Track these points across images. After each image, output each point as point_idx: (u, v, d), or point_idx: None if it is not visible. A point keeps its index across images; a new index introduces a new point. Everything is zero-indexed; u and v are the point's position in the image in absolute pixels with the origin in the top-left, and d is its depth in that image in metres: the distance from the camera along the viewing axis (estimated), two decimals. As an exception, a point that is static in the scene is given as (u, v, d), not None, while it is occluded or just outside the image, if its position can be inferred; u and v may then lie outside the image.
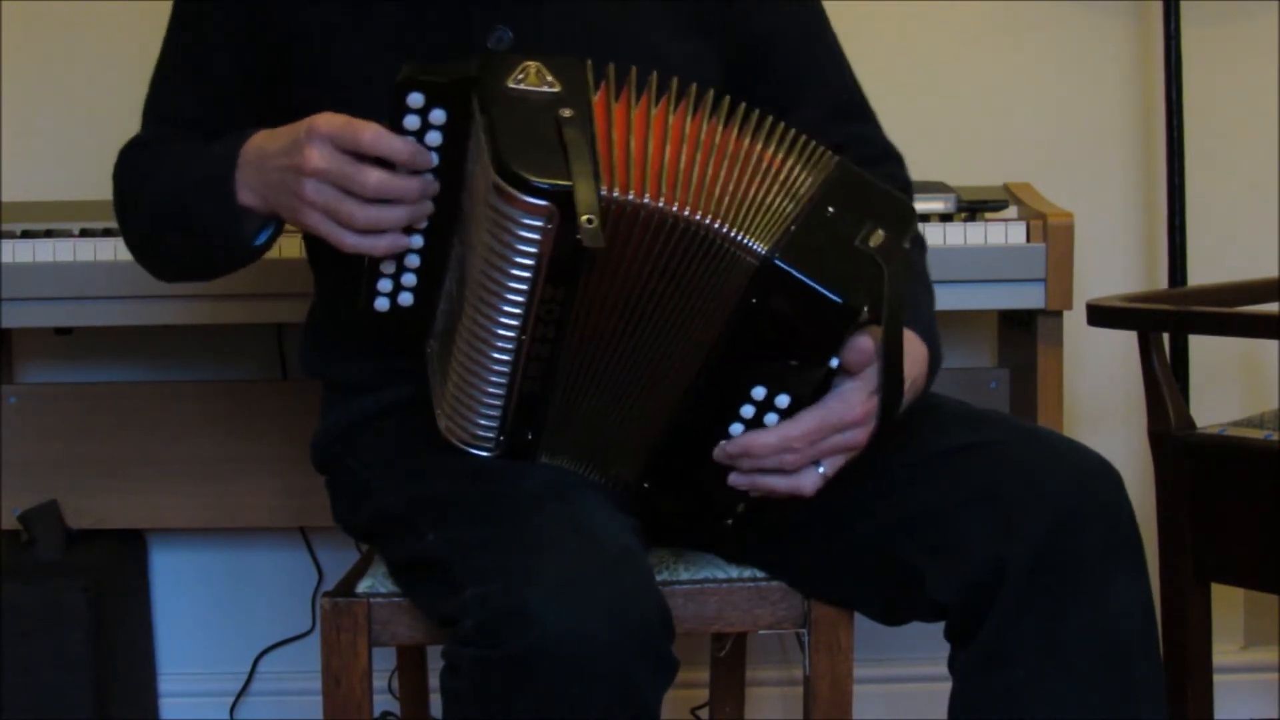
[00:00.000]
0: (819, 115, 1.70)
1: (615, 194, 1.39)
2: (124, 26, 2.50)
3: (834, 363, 1.43)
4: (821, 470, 1.47)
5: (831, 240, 1.42)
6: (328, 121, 1.44)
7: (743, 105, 1.47)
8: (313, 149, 1.43)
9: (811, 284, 1.40)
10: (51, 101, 2.55)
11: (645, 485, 1.53)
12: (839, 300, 1.39)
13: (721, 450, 1.47)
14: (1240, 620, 2.66)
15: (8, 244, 2.18)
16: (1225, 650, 2.61)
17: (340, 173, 1.43)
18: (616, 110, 1.44)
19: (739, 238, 1.40)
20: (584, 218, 1.35)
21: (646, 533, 1.58)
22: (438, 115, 1.42)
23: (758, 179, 1.43)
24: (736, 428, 1.46)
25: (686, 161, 1.42)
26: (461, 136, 1.43)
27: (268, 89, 1.66)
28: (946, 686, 1.50)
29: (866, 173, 1.49)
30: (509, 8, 1.61)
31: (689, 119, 1.45)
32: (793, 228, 1.41)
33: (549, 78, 1.43)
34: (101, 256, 2.17)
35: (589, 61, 1.46)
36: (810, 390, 1.44)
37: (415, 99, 1.41)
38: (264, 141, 1.52)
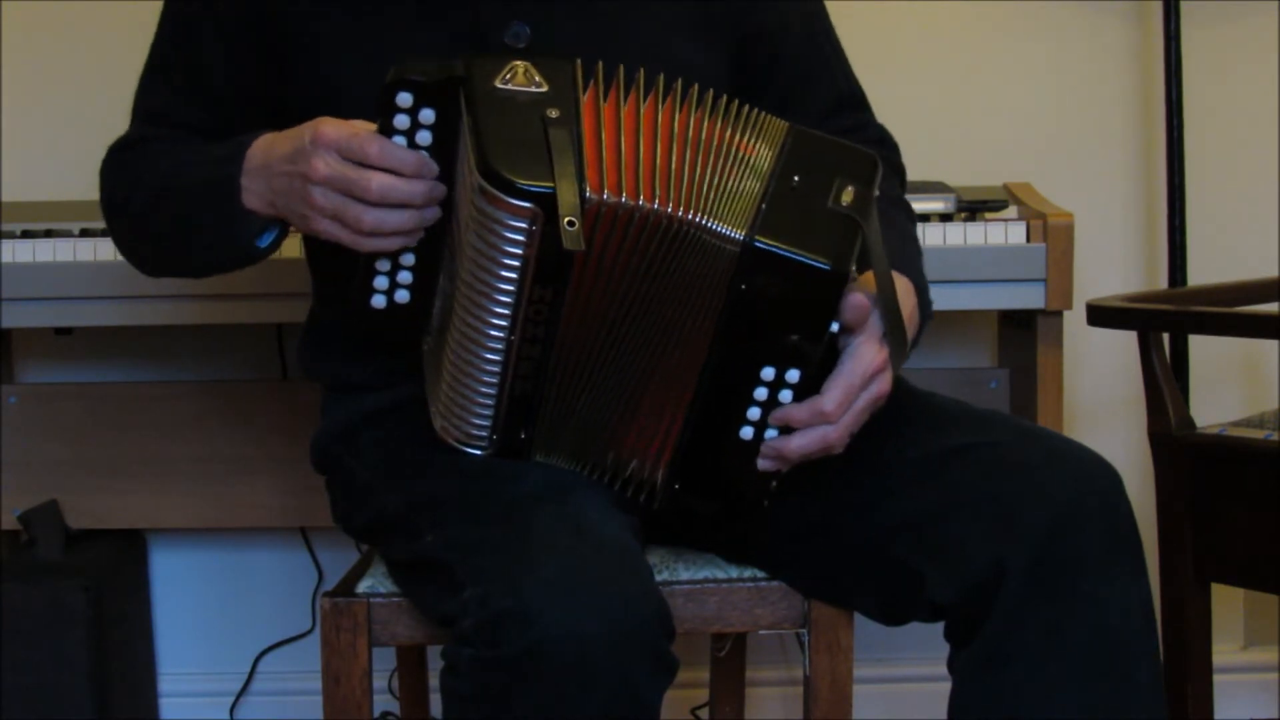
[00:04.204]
0: (822, 109, 1.71)
1: (606, 196, 1.39)
2: (124, 27, 2.50)
3: (834, 327, 1.43)
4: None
5: (804, 209, 1.42)
6: (335, 130, 1.44)
7: (710, 93, 1.46)
8: (319, 159, 1.44)
9: (796, 257, 1.40)
10: (51, 101, 2.55)
11: (677, 488, 1.52)
12: (826, 267, 1.39)
13: (766, 440, 1.46)
14: (1240, 620, 2.66)
15: (8, 244, 2.18)
16: (1225, 650, 2.61)
17: (344, 178, 1.43)
18: (606, 110, 1.44)
19: (714, 226, 1.40)
20: (565, 219, 1.35)
21: (650, 531, 1.58)
22: (427, 115, 1.42)
23: (722, 163, 1.43)
24: (754, 412, 1.46)
25: (664, 157, 1.42)
26: (451, 136, 1.42)
27: (263, 89, 1.65)
28: (946, 686, 1.50)
29: (821, 132, 1.48)
30: (521, 4, 1.60)
31: (676, 115, 1.45)
32: (764, 205, 1.41)
33: (537, 78, 1.42)
34: (101, 256, 2.17)
35: (578, 61, 1.45)
36: (818, 358, 1.44)
37: (404, 98, 1.41)
38: (269, 146, 1.51)
